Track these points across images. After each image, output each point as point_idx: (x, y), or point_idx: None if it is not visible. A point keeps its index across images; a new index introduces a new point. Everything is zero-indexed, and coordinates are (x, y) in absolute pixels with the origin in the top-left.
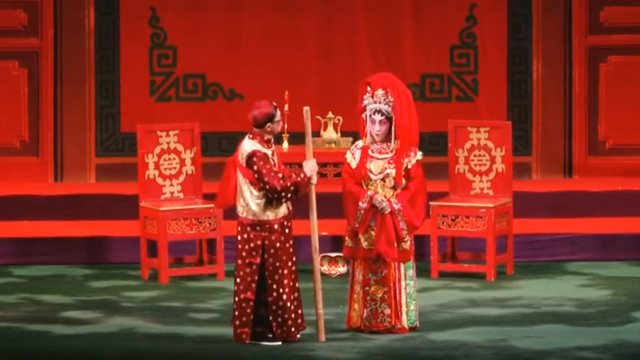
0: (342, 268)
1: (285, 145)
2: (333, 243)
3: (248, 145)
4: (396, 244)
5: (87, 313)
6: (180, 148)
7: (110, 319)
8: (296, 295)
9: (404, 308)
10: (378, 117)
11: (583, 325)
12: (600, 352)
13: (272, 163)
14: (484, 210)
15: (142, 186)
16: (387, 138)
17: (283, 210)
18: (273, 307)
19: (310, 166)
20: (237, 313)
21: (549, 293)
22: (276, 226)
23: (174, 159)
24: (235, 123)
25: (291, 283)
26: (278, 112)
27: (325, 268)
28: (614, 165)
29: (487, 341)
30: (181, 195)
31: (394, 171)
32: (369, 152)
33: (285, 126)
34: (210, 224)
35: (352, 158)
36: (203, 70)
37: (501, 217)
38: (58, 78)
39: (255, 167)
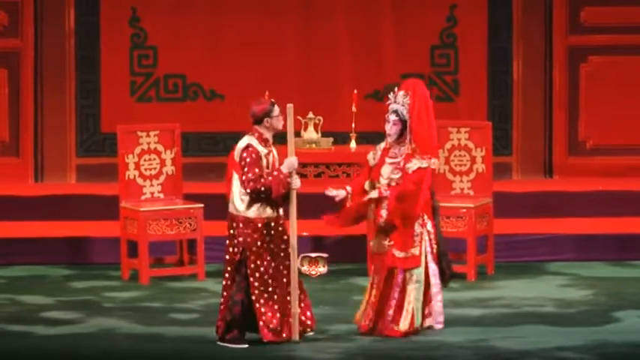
0: (322, 269)
1: None
2: (313, 243)
3: (244, 140)
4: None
5: (68, 314)
6: (160, 148)
7: (91, 319)
8: (288, 298)
9: (408, 313)
10: (392, 117)
11: (564, 325)
12: (581, 352)
13: (263, 162)
14: (464, 210)
15: (122, 186)
16: (400, 141)
17: (270, 211)
18: (257, 305)
19: (287, 163)
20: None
21: (530, 293)
22: (259, 225)
23: (154, 159)
24: (216, 123)
25: (275, 284)
26: (276, 108)
27: (305, 268)
28: (595, 165)
29: (467, 341)
30: (161, 195)
31: (398, 176)
32: (387, 155)
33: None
34: (190, 224)
35: (372, 158)
36: (184, 70)
37: (482, 218)
38: (39, 78)
39: (242, 162)
